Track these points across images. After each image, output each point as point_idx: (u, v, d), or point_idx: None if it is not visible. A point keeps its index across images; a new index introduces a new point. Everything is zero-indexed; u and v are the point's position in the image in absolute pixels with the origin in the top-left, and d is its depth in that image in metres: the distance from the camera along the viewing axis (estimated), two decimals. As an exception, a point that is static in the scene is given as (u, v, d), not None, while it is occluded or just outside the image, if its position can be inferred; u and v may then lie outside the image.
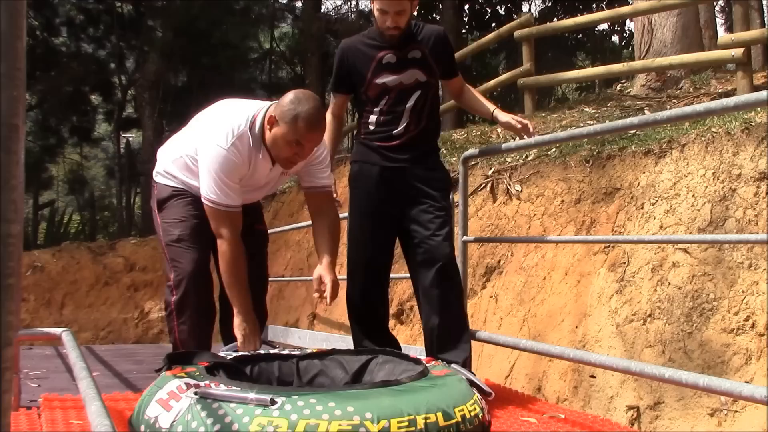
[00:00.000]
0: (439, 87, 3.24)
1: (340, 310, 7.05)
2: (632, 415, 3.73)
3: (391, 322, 6.11)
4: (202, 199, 2.74)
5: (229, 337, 3.00)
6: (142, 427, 1.93)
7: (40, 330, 3.37)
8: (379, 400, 1.86)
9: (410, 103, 3.00)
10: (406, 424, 1.81)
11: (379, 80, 2.99)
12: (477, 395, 2.14)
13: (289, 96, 2.67)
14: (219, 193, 2.69)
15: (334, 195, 3.09)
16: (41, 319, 8.51)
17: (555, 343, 4.17)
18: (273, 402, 1.79)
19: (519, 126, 3.16)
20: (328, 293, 2.75)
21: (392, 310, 6.18)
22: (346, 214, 3.19)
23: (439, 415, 1.88)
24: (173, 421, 1.84)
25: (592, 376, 4.01)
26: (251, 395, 1.82)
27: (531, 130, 3.18)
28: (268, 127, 2.68)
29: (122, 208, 16.90)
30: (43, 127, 17.30)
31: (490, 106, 3.23)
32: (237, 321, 2.75)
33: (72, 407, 2.91)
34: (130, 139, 19.71)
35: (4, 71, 0.99)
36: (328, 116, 3.06)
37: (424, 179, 3.03)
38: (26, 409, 2.92)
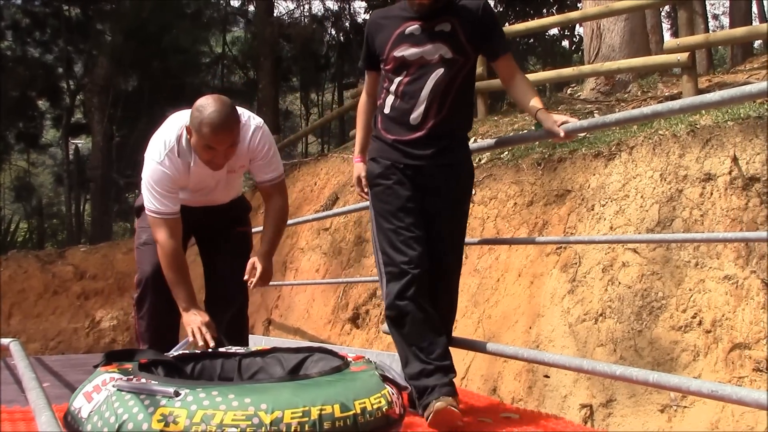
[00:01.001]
0: (475, 68, 2.79)
1: (295, 316, 7.02)
2: (585, 413, 3.79)
3: (347, 326, 6.11)
4: (146, 210, 2.97)
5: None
6: (69, 417, 2.06)
7: (-14, 341, 3.28)
8: (278, 393, 1.96)
9: (430, 84, 2.65)
10: (300, 414, 1.90)
11: (398, 53, 2.68)
12: (388, 390, 2.17)
13: (196, 104, 2.79)
14: (154, 202, 2.90)
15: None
16: (-12, 330, 8.30)
17: (509, 343, 4.22)
18: (177, 394, 1.92)
19: (561, 135, 2.59)
20: (255, 279, 2.93)
21: (348, 314, 6.18)
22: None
23: (336, 406, 1.96)
24: (91, 412, 1.98)
25: (546, 376, 4.06)
26: (157, 387, 1.95)
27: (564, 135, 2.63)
28: (189, 136, 2.86)
29: (71, 216, 16.56)
30: (-12, 134, 16.89)
31: (536, 104, 2.71)
32: (185, 317, 2.85)
33: (21, 419, 2.85)
34: (79, 145, 19.35)
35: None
36: (363, 96, 2.97)
37: (445, 180, 2.73)
38: (-28, 423, 2.85)
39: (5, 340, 2.80)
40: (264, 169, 3.05)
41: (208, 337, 2.72)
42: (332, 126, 18.16)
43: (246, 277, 2.96)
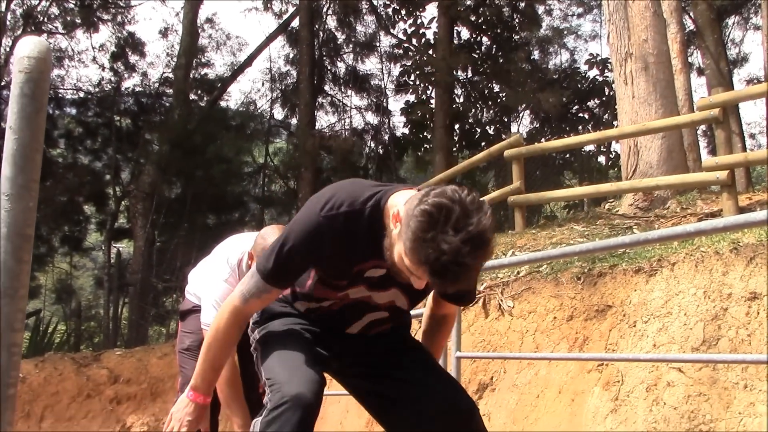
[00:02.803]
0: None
1: (327, 427, 6.87)
2: None
3: None
4: (202, 326, 3.09)
5: None
6: None
7: (21, 444, 3.27)
8: None
9: (365, 320, 2.12)
10: None
11: (351, 291, 2.04)
12: None
13: (261, 232, 2.90)
14: None
15: None
16: (19, 433, 8.24)
17: (550, 464, 4.07)
18: None
19: None
20: None
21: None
22: None
23: None
24: None
25: (589, 500, 3.89)
26: None
27: None
28: (249, 262, 3.05)
29: (109, 319, 16.68)
30: (35, 236, 17.26)
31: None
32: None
33: None
34: (121, 249, 19.73)
35: (22, 183, 1.02)
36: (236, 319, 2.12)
37: None
38: None
39: (40, 444, 2.79)
40: None
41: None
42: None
43: None
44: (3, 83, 14.05)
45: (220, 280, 3.08)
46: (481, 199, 1.69)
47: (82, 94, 17.12)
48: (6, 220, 1.00)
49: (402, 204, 1.75)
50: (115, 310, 16.81)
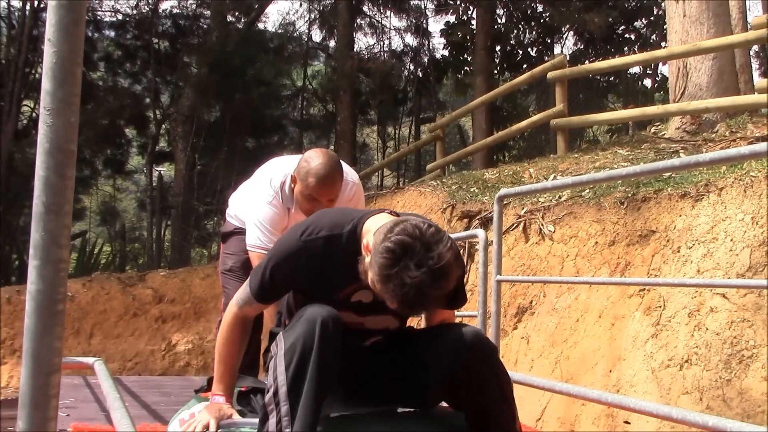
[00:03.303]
0: None
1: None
2: (668, 464, 3.63)
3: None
4: (247, 247, 3.08)
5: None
6: None
7: (73, 359, 3.38)
8: (372, 427, 1.99)
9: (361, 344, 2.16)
10: None
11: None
12: None
13: (305, 155, 2.95)
14: (262, 238, 3.03)
15: None
16: (69, 349, 8.54)
17: (588, 386, 4.09)
18: None
19: None
20: None
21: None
22: None
23: None
24: None
25: (627, 422, 3.91)
26: (244, 420, 1.98)
27: None
28: (292, 185, 3.00)
29: (152, 241, 17.03)
30: (78, 159, 17.44)
31: None
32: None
33: (102, 437, 2.90)
34: (162, 172, 19.96)
35: (62, 97, 1.00)
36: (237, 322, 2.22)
37: None
38: (56, 438, 2.91)
39: (90, 360, 2.87)
40: None
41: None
42: (408, 159, 18.24)
43: None
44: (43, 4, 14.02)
45: (263, 202, 3.06)
46: (441, 231, 1.82)
47: (120, 17, 17.02)
48: (48, 135, 0.99)
49: (372, 233, 1.87)
50: (158, 232, 17.13)
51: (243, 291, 2.17)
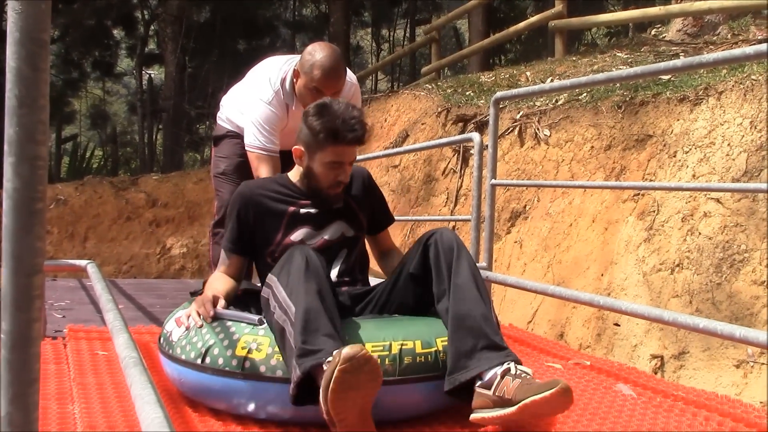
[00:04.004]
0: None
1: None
2: (656, 364, 3.70)
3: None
4: (246, 147, 3.06)
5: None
6: (162, 340, 2.21)
7: (65, 261, 3.38)
8: (361, 327, 2.02)
9: (336, 268, 2.32)
10: (381, 348, 1.94)
11: (295, 237, 2.29)
12: None
13: (308, 48, 2.91)
14: (261, 139, 2.99)
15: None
16: (64, 252, 8.59)
17: (580, 290, 4.13)
18: (261, 322, 2.01)
19: None
20: None
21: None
22: None
23: (418, 342, 1.99)
24: (180, 335, 2.10)
25: (617, 324, 3.97)
26: (243, 314, 2.07)
27: None
28: (294, 80, 2.96)
29: (144, 145, 16.90)
30: (66, 61, 17.21)
31: None
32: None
33: (97, 338, 2.93)
34: (153, 75, 19.61)
35: (31, -18, 0.93)
36: (222, 276, 2.36)
37: None
38: (52, 339, 2.94)
39: (83, 262, 2.86)
40: None
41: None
42: (402, 62, 17.94)
43: None
44: None
45: (261, 101, 3.00)
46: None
47: None
48: (17, 23, 0.92)
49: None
50: (150, 136, 16.98)
51: (220, 257, 2.38)
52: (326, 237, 2.31)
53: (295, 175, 2.40)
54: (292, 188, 2.36)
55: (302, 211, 2.31)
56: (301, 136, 2.28)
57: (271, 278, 2.08)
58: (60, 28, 15.91)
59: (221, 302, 2.15)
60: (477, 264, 3.42)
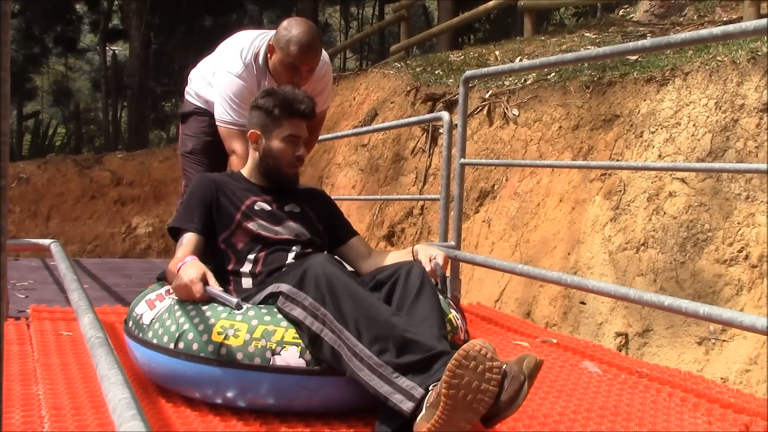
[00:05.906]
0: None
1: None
2: (620, 342, 3.76)
3: (382, 243, 6.11)
4: (216, 122, 2.97)
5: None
6: (131, 323, 2.12)
7: (28, 240, 3.31)
8: None
9: (292, 254, 2.27)
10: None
11: (252, 226, 2.28)
12: (453, 314, 2.14)
13: (283, 24, 2.85)
14: (231, 114, 2.90)
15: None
16: (27, 231, 8.45)
17: (547, 269, 4.17)
18: (239, 306, 1.93)
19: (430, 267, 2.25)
20: None
21: (383, 231, 6.17)
22: None
23: None
24: (153, 318, 2.03)
25: (582, 303, 4.02)
26: (223, 295, 1.97)
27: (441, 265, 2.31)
28: (269, 55, 2.89)
29: (108, 122, 16.62)
30: (27, 36, 16.82)
31: (407, 250, 2.45)
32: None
33: (61, 319, 2.88)
34: (117, 51, 19.27)
35: (-10, -50, 0.90)
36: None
37: None
38: (14, 320, 2.90)
39: (46, 241, 2.82)
40: (320, 105, 3.03)
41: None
42: (371, 41, 17.84)
43: None
44: None
45: (230, 74, 2.91)
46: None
47: None
48: (-25, -6, 0.89)
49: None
50: (114, 113, 16.71)
51: (181, 240, 2.25)
52: (281, 232, 2.29)
53: (247, 170, 2.43)
54: (247, 183, 2.39)
55: (258, 205, 2.32)
56: (254, 119, 2.37)
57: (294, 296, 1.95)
58: (20, 2, 15.54)
59: (212, 279, 2.04)
60: (446, 243, 3.44)
